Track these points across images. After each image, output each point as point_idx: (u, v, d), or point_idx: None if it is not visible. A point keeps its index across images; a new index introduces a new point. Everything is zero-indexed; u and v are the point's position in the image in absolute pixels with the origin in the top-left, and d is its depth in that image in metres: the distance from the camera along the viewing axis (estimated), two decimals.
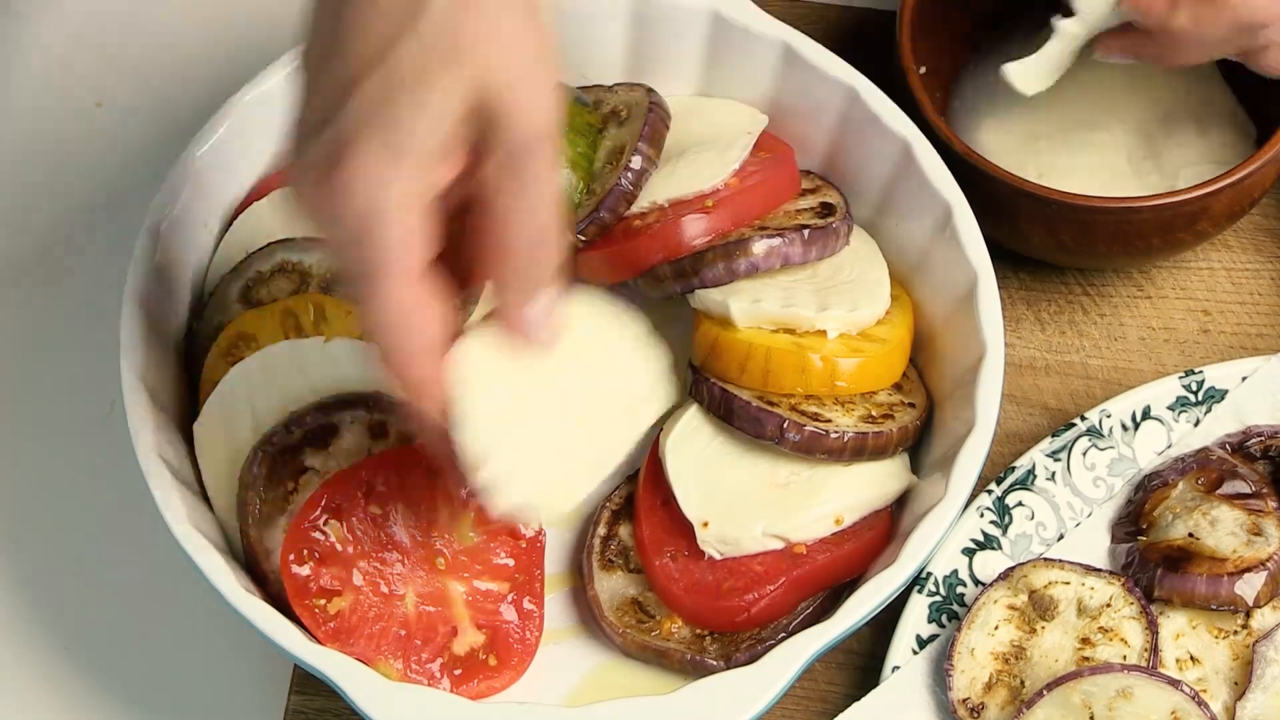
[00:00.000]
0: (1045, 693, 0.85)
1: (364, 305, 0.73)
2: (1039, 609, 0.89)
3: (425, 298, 0.73)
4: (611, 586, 0.90)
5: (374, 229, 0.71)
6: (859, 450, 0.89)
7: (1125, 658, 0.87)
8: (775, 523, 0.89)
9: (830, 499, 0.89)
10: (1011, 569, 0.90)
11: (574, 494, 0.84)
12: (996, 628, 0.89)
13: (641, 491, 0.92)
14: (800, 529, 0.89)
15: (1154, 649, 0.87)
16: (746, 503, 0.89)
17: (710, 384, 0.92)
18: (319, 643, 0.84)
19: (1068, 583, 0.89)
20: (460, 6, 0.71)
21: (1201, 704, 0.85)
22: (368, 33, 0.71)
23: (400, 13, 0.71)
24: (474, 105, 0.71)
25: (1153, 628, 0.88)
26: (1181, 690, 0.85)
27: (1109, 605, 0.89)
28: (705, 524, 0.89)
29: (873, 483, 0.91)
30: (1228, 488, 0.92)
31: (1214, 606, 0.88)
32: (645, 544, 0.90)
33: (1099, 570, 0.90)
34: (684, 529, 0.89)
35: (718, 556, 0.89)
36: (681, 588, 0.88)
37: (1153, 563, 0.89)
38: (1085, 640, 0.88)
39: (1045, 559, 0.90)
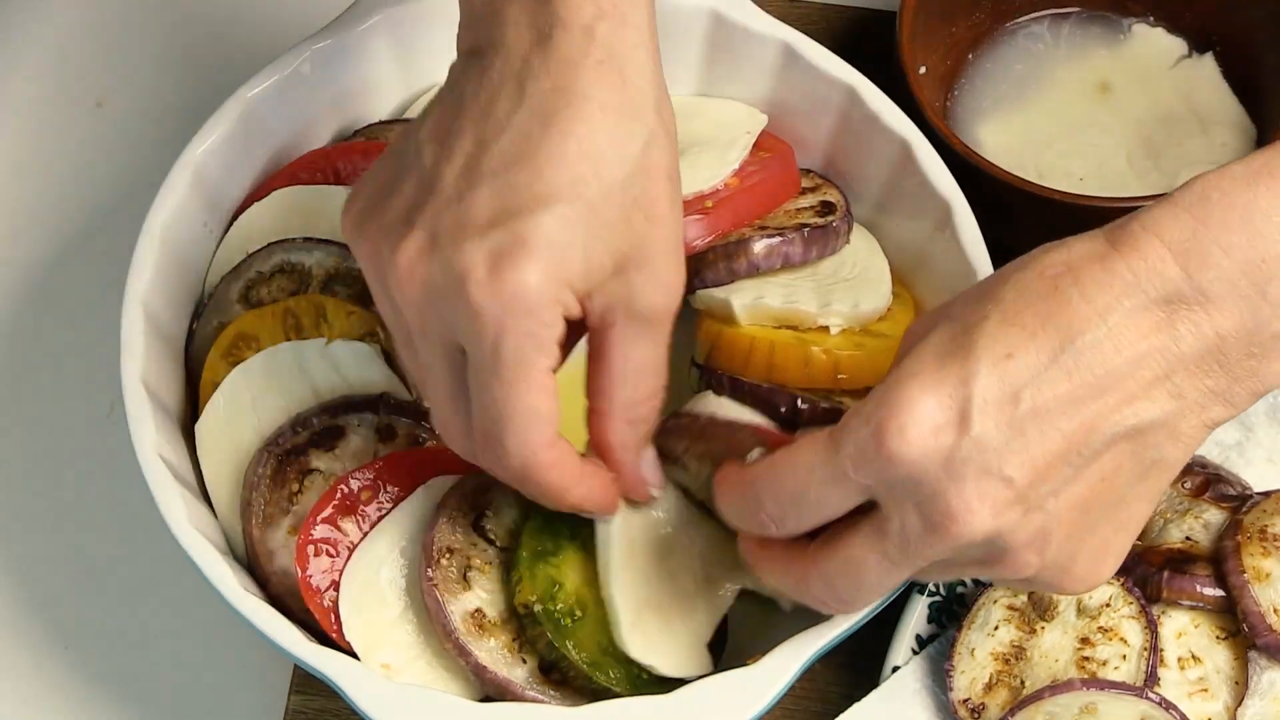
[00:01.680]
0: (1009, 718, 0.86)
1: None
2: (1038, 609, 0.89)
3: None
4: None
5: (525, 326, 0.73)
6: None
7: (1125, 657, 0.87)
8: None
9: None
10: None
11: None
12: (996, 628, 0.89)
13: None
14: None
15: (1154, 649, 0.87)
16: None
17: (719, 374, 0.92)
18: (323, 640, 0.84)
19: None
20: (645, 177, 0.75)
21: (1170, 707, 0.85)
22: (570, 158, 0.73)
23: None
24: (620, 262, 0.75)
25: (1152, 627, 0.88)
26: (1148, 698, 0.85)
27: (1108, 605, 0.89)
28: None
29: None
30: (1214, 490, 0.92)
31: (1218, 609, 0.89)
32: None
33: None
34: None
35: None
36: None
37: (1156, 566, 0.89)
38: (1085, 640, 0.88)
39: None
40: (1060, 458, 0.70)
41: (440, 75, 1.00)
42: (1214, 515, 0.91)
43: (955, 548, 0.71)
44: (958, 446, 0.70)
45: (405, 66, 0.99)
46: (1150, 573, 0.89)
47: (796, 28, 0.97)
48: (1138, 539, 0.91)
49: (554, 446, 0.76)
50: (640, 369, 0.78)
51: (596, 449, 0.81)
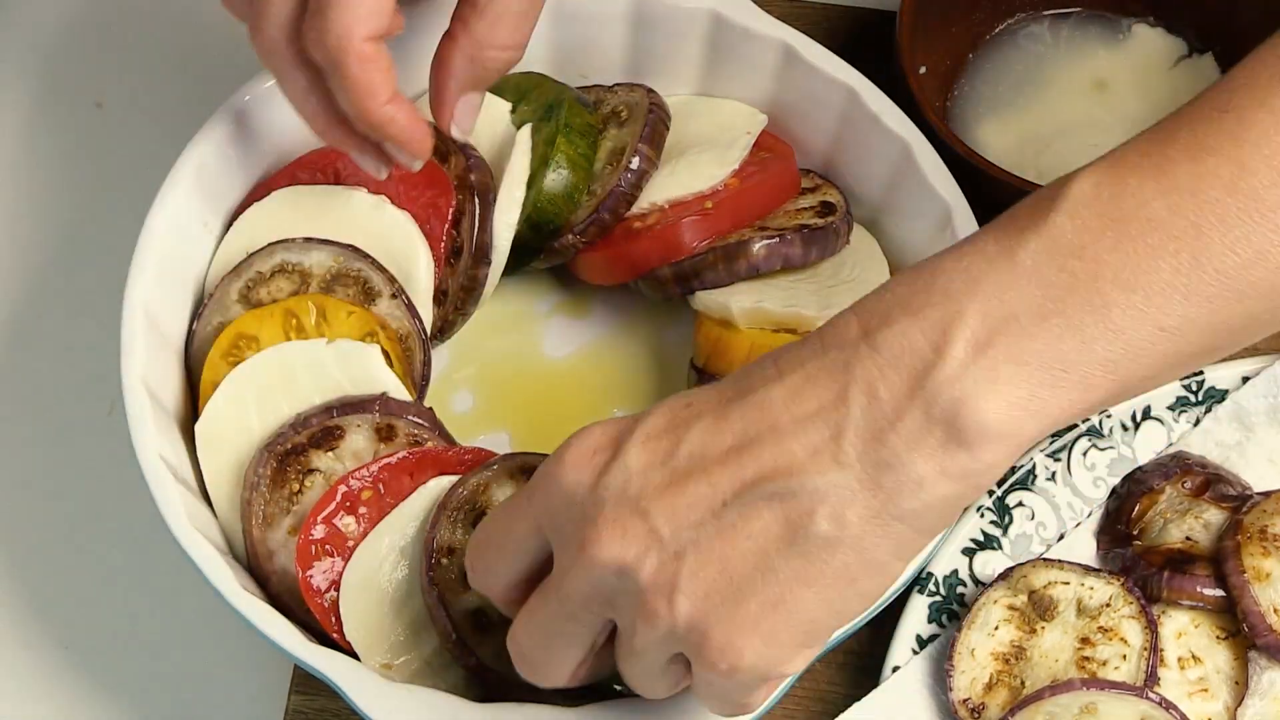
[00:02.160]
0: (1009, 718, 0.86)
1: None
2: (1039, 609, 0.89)
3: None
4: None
5: None
6: None
7: (1125, 657, 0.87)
8: None
9: None
10: (1011, 569, 0.90)
11: None
12: (996, 628, 0.89)
13: None
14: None
15: (1154, 648, 0.87)
16: None
17: (716, 380, 0.92)
18: (323, 639, 0.84)
19: (1067, 583, 0.89)
20: None
21: (1170, 707, 0.85)
22: None
23: None
24: None
25: (1152, 627, 0.88)
26: (1148, 698, 0.85)
27: (1108, 605, 0.89)
28: None
29: None
30: (1214, 490, 0.92)
31: (1218, 609, 0.89)
32: None
33: (1098, 570, 0.90)
34: None
35: None
36: None
37: (1157, 566, 0.89)
38: (1085, 640, 0.88)
39: (1044, 559, 0.90)
40: (703, 503, 0.67)
41: None
42: (1214, 515, 0.91)
43: (593, 581, 0.69)
44: (605, 472, 0.69)
45: (405, 66, 0.99)
46: (1150, 573, 0.89)
47: (796, 28, 0.97)
48: (1138, 540, 0.91)
49: (374, 44, 0.79)
50: (503, 13, 0.82)
51: (433, 70, 0.86)
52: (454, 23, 0.84)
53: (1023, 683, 0.88)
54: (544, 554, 0.73)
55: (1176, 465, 0.92)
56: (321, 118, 0.85)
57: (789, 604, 0.67)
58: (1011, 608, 0.89)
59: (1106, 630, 0.88)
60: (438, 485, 0.88)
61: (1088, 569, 0.90)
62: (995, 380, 0.66)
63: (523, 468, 0.89)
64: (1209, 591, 0.88)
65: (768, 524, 0.67)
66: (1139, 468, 0.93)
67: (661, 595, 0.68)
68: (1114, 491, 0.93)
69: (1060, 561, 0.90)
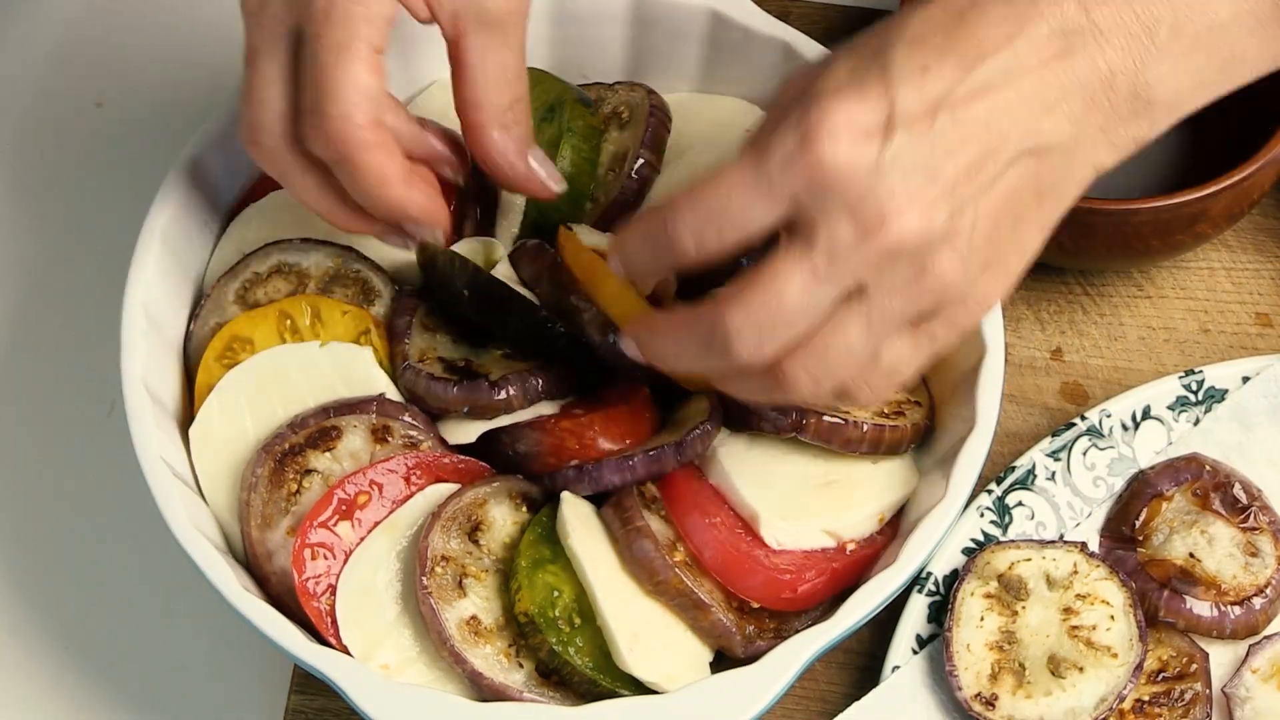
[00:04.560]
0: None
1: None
2: (1011, 591, 0.89)
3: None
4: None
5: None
6: (876, 443, 0.89)
7: (1113, 618, 0.88)
8: (830, 521, 0.88)
9: (872, 497, 0.89)
10: (973, 559, 0.90)
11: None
12: (982, 619, 0.89)
13: (681, 483, 0.90)
14: (851, 526, 0.88)
15: (1136, 604, 0.87)
16: (800, 500, 0.89)
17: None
18: (320, 643, 0.84)
19: (1029, 559, 0.89)
20: None
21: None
22: None
23: None
24: None
25: (1128, 584, 0.88)
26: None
27: (1076, 573, 0.89)
28: (763, 517, 0.88)
29: (896, 482, 0.90)
30: (1223, 497, 0.91)
31: (1215, 635, 0.89)
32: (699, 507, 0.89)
33: (1053, 541, 0.90)
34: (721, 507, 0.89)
35: (776, 547, 0.88)
36: (740, 553, 0.87)
37: (1159, 582, 0.89)
38: (1068, 610, 0.88)
39: (1000, 542, 0.90)
40: (978, 165, 0.72)
41: (440, 74, 1.01)
42: (1219, 529, 0.91)
43: (885, 253, 0.72)
44: (885, 150, 0.71)
45: (405, 66, 0.99)
46: (1151, 587, 0.89)
47: (796, 27, 0.97)
48: (1143, 548, 0.91)
49: (376, 128, 0.78)
50: (500, 72, 0.81)
51: (484, 165, 0.83)
52: (464, 112, 0.82)
53: (1022, 665, 0.87)
54: (769, 231, 0.74)
55: (1189, 471, 0.92)
56: (340, 212, 0.84)
57: (1029, 247, 0.77)
58: (988, 595, 0.89)
59: (1084, 596, 0.88)
60: (435, 492, 0.88)
61: (1044, 542, 0.90)
62: (1190, 68, 0.75)
63: (523, 492, 0.89)
64: (1207, 619, 0.89)
65: (1024, 178, 0.74)
66: (1150, 467, 0.93)
67: (956, 253, 0.73)
68: (1124, 489, 0.93)
69: (1015, 541, 0.90)
